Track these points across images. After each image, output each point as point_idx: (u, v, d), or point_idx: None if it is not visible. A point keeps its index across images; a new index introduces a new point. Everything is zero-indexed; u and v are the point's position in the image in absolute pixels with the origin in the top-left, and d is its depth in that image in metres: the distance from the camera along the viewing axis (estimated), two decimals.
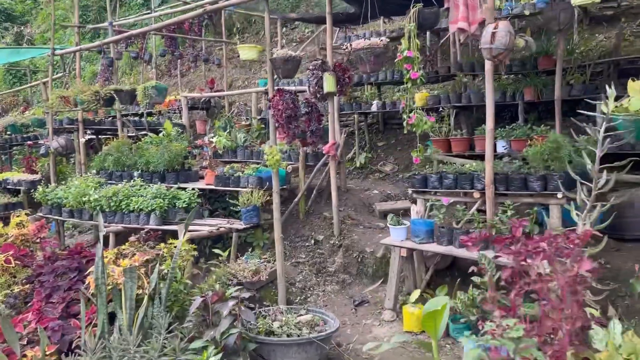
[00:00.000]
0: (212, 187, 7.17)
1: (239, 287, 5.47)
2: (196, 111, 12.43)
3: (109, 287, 4.24)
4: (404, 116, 5.08)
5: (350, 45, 6.08)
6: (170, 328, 3.88)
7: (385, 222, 7.10)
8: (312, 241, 6.60)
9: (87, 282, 4.60)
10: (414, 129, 5.02)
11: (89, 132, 9.34)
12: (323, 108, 6.76)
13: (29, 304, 4.84)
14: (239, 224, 6.45)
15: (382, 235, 6.48)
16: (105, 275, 4.04)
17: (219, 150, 8.09)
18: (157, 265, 4.30)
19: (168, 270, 4.33)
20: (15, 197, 9.57)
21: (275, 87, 5.27)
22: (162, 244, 4.77)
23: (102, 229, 4.25)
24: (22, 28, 21.17)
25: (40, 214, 7.81)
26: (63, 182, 8.03)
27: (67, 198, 7.39)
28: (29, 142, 13.01)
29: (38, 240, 6.10)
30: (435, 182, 5.29)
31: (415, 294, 4.94)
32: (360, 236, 6.51)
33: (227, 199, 7.76)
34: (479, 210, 5.37)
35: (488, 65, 4.69)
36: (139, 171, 7.74)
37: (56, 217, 7.66)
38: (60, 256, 5.40)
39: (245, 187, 6.77)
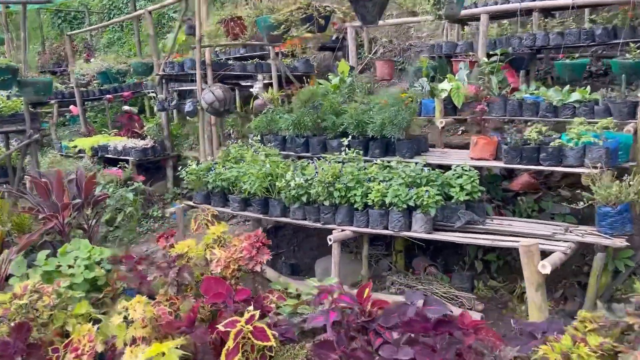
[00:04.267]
0: (496, 164, 4.33)
1: None
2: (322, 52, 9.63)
3: None
4: None
5: None
6: None
7: None
8: None
9: None
10: None
11: (263, 78, 6.43)
12: None
13: None
14: (597, 235, 3.62)
15: None
16: None
17: (456, 103, 5.18)
18: None
19: None
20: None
21: None
22: None
23: None
24: None
25: (193, 203, 5.12)
26: (211, 156, 5.28)
27: (246, 182, 4.64)
28: (108, 96, 10.26)
29: (257, 269, 3.41)
30: None
31: None
32: None
33: (489, 182, 4.95)
34: None
35: None
36: (347, 137, 4.93)
37: (222, 209, 4.95)
38: (352, 321, 2.67)
39: (576, 166, 3.92)
